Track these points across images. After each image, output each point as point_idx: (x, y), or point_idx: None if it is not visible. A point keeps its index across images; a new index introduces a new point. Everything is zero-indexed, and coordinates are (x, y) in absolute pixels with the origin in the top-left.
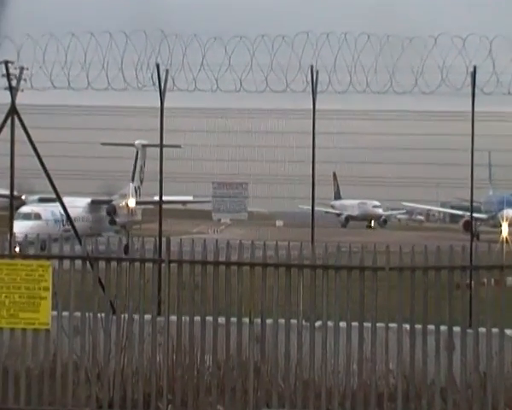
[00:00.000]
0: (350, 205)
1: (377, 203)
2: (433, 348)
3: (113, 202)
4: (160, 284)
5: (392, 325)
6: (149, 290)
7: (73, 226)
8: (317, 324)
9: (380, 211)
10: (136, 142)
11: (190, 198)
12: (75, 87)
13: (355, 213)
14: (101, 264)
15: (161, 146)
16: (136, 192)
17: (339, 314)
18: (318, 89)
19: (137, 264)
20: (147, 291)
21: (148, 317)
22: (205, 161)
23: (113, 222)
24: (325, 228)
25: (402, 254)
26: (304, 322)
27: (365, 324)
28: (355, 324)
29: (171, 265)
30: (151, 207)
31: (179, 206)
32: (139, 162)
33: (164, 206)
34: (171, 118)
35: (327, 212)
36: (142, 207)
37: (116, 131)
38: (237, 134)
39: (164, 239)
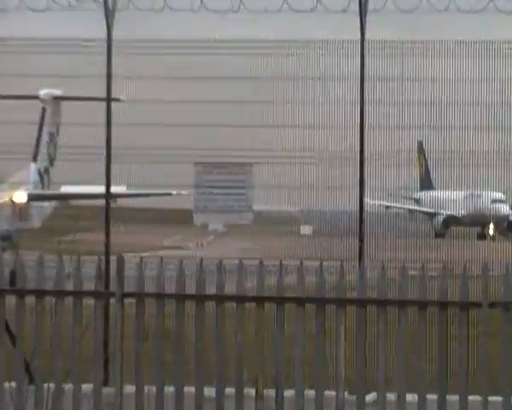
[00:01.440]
0: (450, 199)
1: (500, 196)
2: None
3: None
4: (108, 333)
5: (493, 398)
6: (90, 343)
7: None
8: (369, 397)
9: (504, 209)
10: (43, 92)
11: (123, 189)
12: None
13: (460, 212)
14: (11, 300)
15: (109, 99)
16: (41, 179)
17: (404, 380)
18: (370, 6)
19: (70, 300)
20: (86, 344)
21: (87, 387)
22: (180, 129)
23: None
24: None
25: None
26: (347, 394)
27: (448, 396)
28: (432, 397)
29: (126, 301)
30: (60, 204)
31: (134, 204)
32: (47, 128)
33: (93, 203)
34: (123, 55)
35: (411, 211)
36: (49, 204)
37: (26, 80)
38: (235, 82)
39: (113, 259)
